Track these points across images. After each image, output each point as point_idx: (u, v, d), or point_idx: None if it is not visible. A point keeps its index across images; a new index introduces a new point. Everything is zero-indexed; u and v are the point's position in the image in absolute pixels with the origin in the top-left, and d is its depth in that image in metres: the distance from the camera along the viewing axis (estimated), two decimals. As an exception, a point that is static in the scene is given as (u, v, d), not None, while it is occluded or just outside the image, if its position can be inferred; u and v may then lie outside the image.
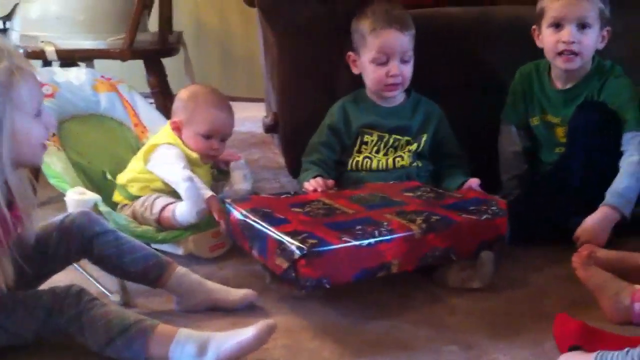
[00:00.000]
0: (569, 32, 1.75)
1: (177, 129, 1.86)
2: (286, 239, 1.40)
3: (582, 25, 1.75)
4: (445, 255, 1.52)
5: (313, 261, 1.36)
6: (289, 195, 1.71)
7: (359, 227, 1.46)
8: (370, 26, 1.82)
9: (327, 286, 1.40)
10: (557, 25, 1.77)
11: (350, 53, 1.89)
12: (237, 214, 1.58)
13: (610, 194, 1.68)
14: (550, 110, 1.86)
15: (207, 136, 1.84)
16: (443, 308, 1.48)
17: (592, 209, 1.70)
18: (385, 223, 1.49)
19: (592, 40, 1.76)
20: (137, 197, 1.81)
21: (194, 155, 1.83)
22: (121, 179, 1.86)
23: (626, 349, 1.10)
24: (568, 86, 1.82)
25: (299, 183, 1.84)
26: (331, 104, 1.93)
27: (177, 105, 1.89)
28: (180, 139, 1.85)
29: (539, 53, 1.88)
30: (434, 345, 1.33)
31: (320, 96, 2.01)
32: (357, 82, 1.93)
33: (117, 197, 1.86)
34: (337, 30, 1.95)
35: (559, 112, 1.84)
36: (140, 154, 1.86)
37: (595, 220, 1.67)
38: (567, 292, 1.51)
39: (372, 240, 1.42)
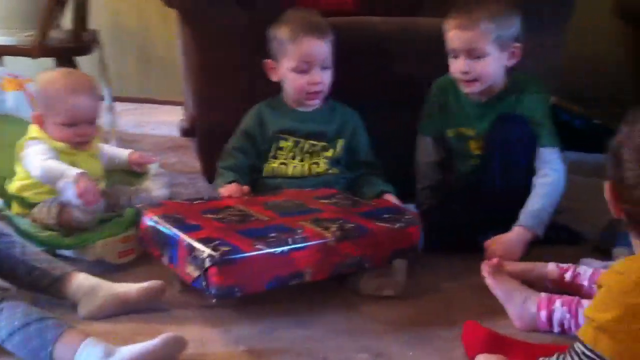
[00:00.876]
0: (461, 63, 1.77)
1: (40, 122, 1.78)
2: (197, 246, 1.37)
3: (475, 55, 1.75)
4: (359, 263, 1.51)
5: (224, 269, 1.33)
6: (203, 201, 1.68)
7: (272, 234, 1.44)
8: (289, 34, 1.80)
9: (239, 295, 1.38)
10: (454, 54, 1.79)
11: (268, 60, 1.86)
12: (147, 219, 1.54)
13: (525, 215, 1.72)
14: (465, 123, 1.88)
15: (72, 124, 1.76)
16: (356, 315, 1.48)
17: (506, 220, 1.73)
18: (299, 230, 1.48)
19: (488, 66, 1.76)
20: (35, 204, 1.72)
21: (59, 145, 1.75)
22: (12, 187, 1.78)
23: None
24: (484, 100, 1.85)
25: (214, 188, 1.81)
26: (250, 108, 1.91)
27: (35, 96, 1.81)
28: (46, 132, 1.77)
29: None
30: (345, 353, 1.33)
31: (238, 101, 1.98)
32: (278, 87, 1.91)
33: (15, 209, 1.77)
34: (257, 36, 1.93)
35: (474, 125, 1.86)
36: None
37: (509, 238, 1.70)
38: (477, 300, 1.53)
39: (285, 248, 1.40)
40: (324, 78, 1.82)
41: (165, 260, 1.49)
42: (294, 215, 1.58)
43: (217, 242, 1.38)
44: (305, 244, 1.43)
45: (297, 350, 1.34)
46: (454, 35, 1.77)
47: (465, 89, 1.82)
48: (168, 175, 1.90)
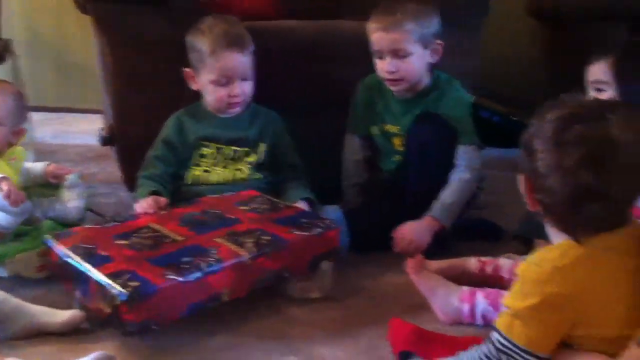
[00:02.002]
0: (387, 62, 1.80)
1: None
2: (107, 282, 1.32)
3: (400, 55, 1.79)
4: (279, 275, 1.50)
5: (136, 306, 1.29)
6: (116, 224, 1.60)
7: (185, 259, 1.40)
8: (209, 47, 1.76)
9: (154, 328, 1.34)
10: (379, 55, 1.82)
11: (187, 70, 1.84)
12: (58, 251, 1.47)
13: (436, 206, 1.75)
14: (389, 119, 1.91)
15: None
16: (283, 319, 1.48)
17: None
18: (214, 251, 1.44)
19: (413, 64, 1.80)
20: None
21: None
22: None
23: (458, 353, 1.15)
24: (408, 96, 1.88)
25: (133, 199, 1.77)
26: (169, 117, 1.88)
27: None
28: None
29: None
30: (274, 357, 1.33)
31: (158, 109, 1.94)
32: (198, 94, 1.88)
33: None
34: (174, 43, 1.90)
35: (398, 121, 1.89)
36: None
37: (418, 225, 1.73)
38: (403, 297, 1.55)
39: (199, 274, 1.37)
40: (245, 89, 1.81)
41: (77, 294, 1.43)
42: (210, 230, 1.54)
43: (127, 276, 1.33)
44: (220, 265, 1.40)
45: (225, 357, 1.33)
46: (379, 36, 1.79)
47: (392, 89, 1.85)
48: (84, 186, 1.84)
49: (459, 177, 1.78)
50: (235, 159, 1.82)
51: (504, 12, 2.53)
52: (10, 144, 1.76)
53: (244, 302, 1.51)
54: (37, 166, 1.86)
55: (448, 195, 1.76)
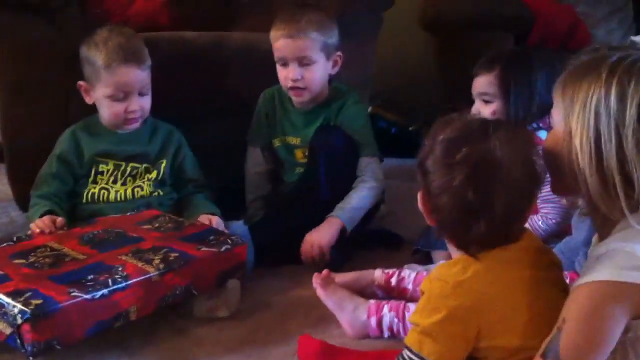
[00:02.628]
0: (292, 70, 1.81)
1: None
2: (7, 301, 1.25)
3: (305, 63, 1.80)
4: (186, 292, 1.47)
5: (39, 324, 1.23)
6: (11, 243, 1.53)
7: (90, 276, 1.35)
8: (104, 61, 1.69)
9: (58, 347, 1.28)
10: (283, 62, 1.82)
11: (81, 83, 1.77)
12: None
13: (340, 209, 1.77)
14: (290, 131, 1.91)
15: None
16: (189, 340, 1.45)
17: None
18: (119, 268, 1.40)
19: (317, 73, 1.82)
20: None
21: None
22: None
23: None
24: (308, 107, 1.89)
25: (28, 219, 1.69)
26: (63, 130, 1.80)
27: None
28: None
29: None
30: (180, 380, 1.30)
31: (51, 123, 1.87)
32: (94, 107, 1.82)
33: None
34: (67, 52, 1.83)
35: (299, 133, 1.90)
36: None
37: (315, 230, 1.74)
38: (311, 313, 1.55)
39: (105, 291, 1.32)
40: (143, 104, 1.76)
41: None
42: (114, 248, 1.49)
43: (28, 294, 1.27)
44: (127, 282, 1.36)
45: (129, 382, 1.29)
46: (284, 43, 1.79)
47: (295, 98, 1.86)
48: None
49: (362, 185, 1.80)
50: (135, 176, 1.77)
51: (397, 22, 2.58)
52: None
53: (148, 323, 1.47)
54: None
55: (351, 199, 1.78)
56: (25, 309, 1.22)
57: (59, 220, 1.62)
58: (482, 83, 1.68)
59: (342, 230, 1.75)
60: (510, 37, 2.61)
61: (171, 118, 1.89)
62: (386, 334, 1.43)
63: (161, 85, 1.82)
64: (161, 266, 1.42)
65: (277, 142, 1.94)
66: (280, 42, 1.80)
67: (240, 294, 1.56)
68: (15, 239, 1.57)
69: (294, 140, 1.91)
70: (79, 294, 1.29)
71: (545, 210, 1.64)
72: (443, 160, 1.08)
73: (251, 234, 1.74)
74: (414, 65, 3.06)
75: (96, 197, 1.75)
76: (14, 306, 1.23)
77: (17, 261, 1.42)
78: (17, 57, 1.87)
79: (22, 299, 1.25)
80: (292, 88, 1.83)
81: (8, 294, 1.27)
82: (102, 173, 1.75)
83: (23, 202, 1.90)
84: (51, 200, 1.69)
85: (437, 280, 1.10)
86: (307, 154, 1.88)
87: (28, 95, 1.89)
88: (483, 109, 1.67)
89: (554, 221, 1.64)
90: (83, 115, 1.84)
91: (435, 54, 2.87)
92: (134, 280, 1.37)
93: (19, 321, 1.22)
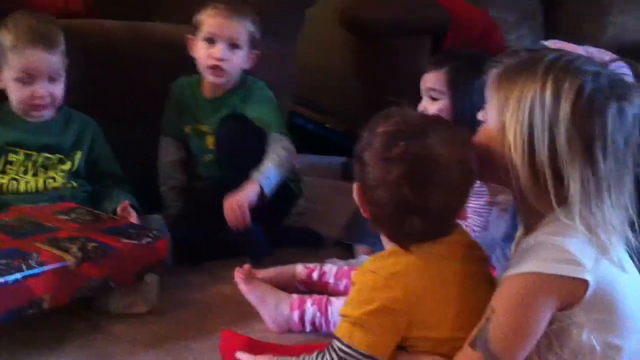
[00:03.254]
0: (219, 49, 1.80)
1: None
2: None
3: (233, 45, 1.81)
4: (104, 284, 1.42)
5: None
6: None
7: (3, 261, 1.29)
8: (12, 42, 1.62)
9: None
10: (211, 41, 1.81)
11: None
12: None
13: (257, 172, 1.73)
14: (200, 119, 1.90)
15: None
16: (105, 337, 1.40)
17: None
18: (35, 254, 1.34)
19: (240, 59, 1.84)
20: None
21: None
22: None
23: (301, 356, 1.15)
24: (216, 95, 1.88)
25: None
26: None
27: None
28: None
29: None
30: (97, 378, 1.25)
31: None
32: (3, 94, 1.73)
33: None
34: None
35: (208, 120, 1.89)
36: None
37: (240, 191, 1.69)
38: (232, 308, 1.53)
39: (18, 276, 1.26)
40: (52, 90, 1.68)
41: None
42: (29, 236, 1.43)
43: None
44: (42, 268, 1.30)
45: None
46: (218, 22, 1.80)
47: (212, 79, 1.84)
48: None
49: (272, 153, 1.78)
50: (47, 167, 1.69)
51: (319, 22, 2.59)
52: None
53: (62, 319, 1.42)
54: None
55: (268, 166, 1.75)
56: None
57: None
58: (432, 79, 1.68)
59: (262, 194, 1.72)
60: (427, 40, 2.67)
61: (88, 111, 1.81)
62: (308, 328, 1.42)
63: (78, 76, 1.74)
64: (78, 255, 1.37)
65: (187, 130, 1.92)
66: (214, 20, 1.80)
67: (158, 289, 1.52)
68: None
69: (204, 128, 1.90)
70: None
71: (471, 221, 1.66)
72: (381, 154, 1.08)
73: (169, 229, 1.69)
74: (335, 64, 3.09)
75: (4, 187, 1.66)
76: None
77: None
78: None
79: None
80: (213, 67, 1.81)
81: None
82: (11, 163, 1.67)
83: None
84: None
85: (370, 273, 1.10)
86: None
87: None
88: (430, 106, 1.67)
89: (476, 232, 1.67)
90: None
91: (354, 54, 2.89)
92: (50, 266, 1.32)
93: None
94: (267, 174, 1.74)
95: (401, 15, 2.66)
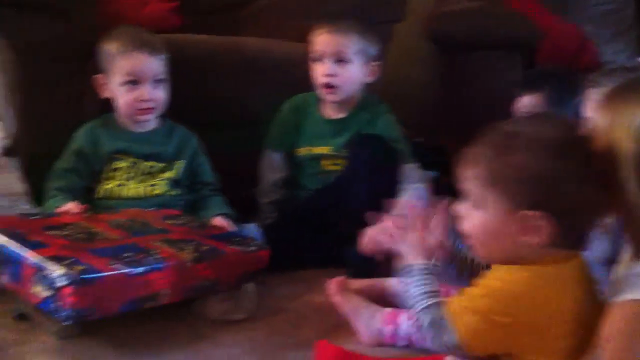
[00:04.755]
0: (327, 66, 1.86)
1: None
2: (47, 264, 1.26)
3: (340, 60, 1.85)
4: (212, 286, 1.48)
5: (81, 290, 1.24)
6: (41, 217, 1.55)
7: (127, 254, 1.37)
8: (118, 49, 1.74)
9: (93, 317, 1.30)
10: (320, 59, 1.87)
11: (98, 76, 1.78)
12: None
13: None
14: (317, 141, 1.94)
15: None
16: (205, 341, 1.44)
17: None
18: (155, 250, 1.42)
19: (351, 73, 1.87)
20: None
21: None
22: None
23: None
24: (339, 116, 1.91)
25: (44, 211, 1.69)
26: (77, 127, 1.81)
27: None
28: None
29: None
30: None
31: (65, 119, 1.87)
32: (107, 105, 1.83)
33: None
34: (80, 51, 1.84)
35: (328, 142, 1.92)
36: None
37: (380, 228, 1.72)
38: (325, 319, 1.55)
39: (143, 269, 1.34)
40: (155, 95, 1.77)
41: (3, 279, 1.36)
42: (144, 234, 1.51)
43: (69, 260, 1.28)
44: (163, 264, 1.38)
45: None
46: (323, 39, 1.86)
47: (325, 96, 1.88)
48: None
49: (415, 187, 1.79)
50: (151, 174, 1.78)
51: (403, 34, 2.60)
52: None
53: (162, 325, 1.47)
54: None
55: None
56: (70, 271, 1.24)
57: (83, 207, 1.63)
58: (528, 102, 1.67)
59: None
60: (517, 56, 2.65)
61: (182, 121, 1.89)
62: (401, 342, 1.43)
63: (173, 88, 1.83)
64: (195, 255, 1.44)
65: (301, 152, 1.96)
66: (319, 38, 1.87)
67: (256, 297, 1.56)
68: (43, 214, 1.60)
69: (322, 150, 1.93)
70: (120, 267, 1.31)
71: None
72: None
73: (265, 237, 1.75)
74: (417, 77, 3.09)
75: (112, 193, 1.75)
76: (56, 269, 1.24)
77: (51, 232, 1.43)
78: (29, 56, 1.88)
79: (65, 263, 1.26)
80: (325, 85, 1.86)
81: (49, 258, 1.28)
82: (118, 169, 1.76)
83: (36, 197, 1.90)
84: (69, 193, 1.70)
85: (501, 280, 1.07)
86: (336, 162, 1.90)
87: (41, 95, 1.90)
88: None
89: None
90: (96, 114, 1.85)
91: (438, 68, 2.90)
92: (170, 263, 1.39)
93: (60, 284, 1.23)
94: None
95: (488, 29, 2.65)
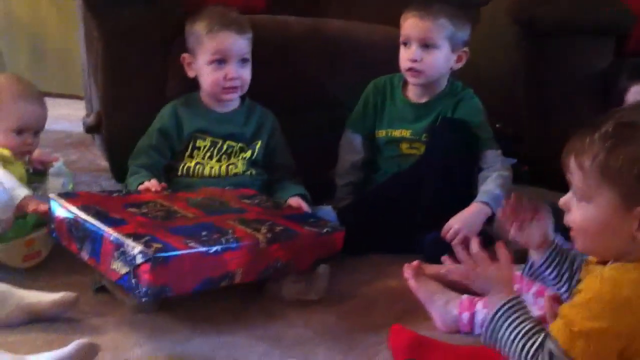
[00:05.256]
0: (412, 50, 1.82)
1: None
2: (127, 241, 1.28)
3: (426, 45, 1.81)
4: (285, 267, 1.48)
5: (157, 267, 1.25)
6: (121, 194, 1.58)
7: (204, 232, 1.38)
8: (206, 28, 1.75)
9: (169, 295, 1.32)
10: (407, 44, 1.84)
11: (185, 55, 1.80)
12: (64, 211, 1.42)
13: (485, 193, 1.74)
14: (398, 124, 1.91)
15: (19, 131, 1.68)
16: (278, 322, 1.45)
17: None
18: (230, 230, 1.42)
19: (437, 59, 1.83)
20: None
21: (6, 152, 1.66)
22: None
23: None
24: (422, 101, 1.88)
25: (126, 187, 1.72)
26: (160, 107, 1.84)
27: None
28: None
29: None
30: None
31: (148, 98, 1.91)
32: (188, 85, 1.85)
33: None
34: (166, 32, 1.87)
35: (409, 126, 1.89)
36: None
37: (470, 212, 1.71)
38: (398, 303, 1.53)
39: (218, 248, 1.34)
40: (241, 73, 1.77)
41: (84, 255, 1.38)
42: (220, 214, 1.52)
43: (147, 238, 1.29)
44: (238, 244, 1.38)
45: (218, 357, 1.30)
46: (411, 23, 1.83)
47: (410, 80, 1.86)
48: (70, 175, 1.78)
49: (498, 174, 1.77)
50: (229, 154, 1.79)
51: (488, 19, 2.53)
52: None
53: (236, 304, 1.49)
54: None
55: (491, 186, 1.75)
56: (147, 249, 1.25)
57: (163, 184, 1.65)
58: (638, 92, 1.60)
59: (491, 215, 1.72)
60: (608, 42, 2.54)
61: (266, 102, 1.90)
62: (477, 330, 1.39)
63: (257, 68, 1.83)
64: (269, 235, 1.44)
65: (381, 133, 1.94)
66: (408, 22, 1.84)
67: (328, 279, 1.55)
68: (124, 191, 1.62)
69: (403, 133, 1.90)
70: (196, 245, 1.32)
71: None
72: None
73: (339, 219, 1.74)
74: (502, 64, 3.01)
75: (191, 171, 1.77)
76: (134, 247, 1.26)
77: (131, 209, 1.45)
78: (117, 39, 1.91)
79: (142, 240, 1.27)
80: (409, 69, 1.83)
81: (128, 235, 1.29)
82: (199, 149, 1.78)
83: (118, 173, 1.96)
84: (150, 170, 1.72)
85: (610, 284, 0.99)
86: (415, 146, 1.88)
87: (127, 75, 1.94)
88: None
89: None
90: (178, 94, 1.87)
91: (526, 55, 2.81)
92: (245, 243, 1.39)
93: (139, 261, 1.24)
94: (497, 199, 1.72)
95: (577, 13, 2.54)
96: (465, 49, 1.87)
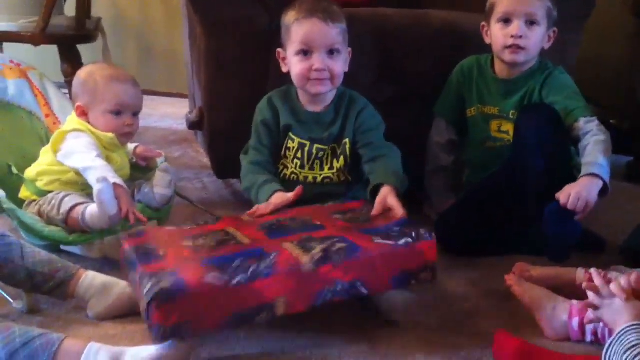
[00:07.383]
0: (517, 26, 1.76)
1: (83, 113, 1.73)
2: (144, 280, 1.21)
3: (530, 22, 1.77)
4: (352, 289, 1.30)
5: (164, 305, 1.16)
6: (194, 226, 1.49)
7: (237, 261, 1.25)
8: (294, 17, 1.67)
9: (190, 334, 1.20)
10: (507, 20, 1.78)
11: (279, 50, 1.75)
12: (125, 248, 1.39)
13: (590, 165, 1.60)
14: (488, 100, 1.86)
15: (117, 112, 1.72)
16: (376, 322, 1.41)
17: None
18: (273, 254, 1.28)
19: (538, 36, 1.78)
20: (46, 193, 1.67)
21: (109, 136, 1.70)
22: (30, 172, 1.72)
23: None
24: (511, 77, 1.84)
25: (254, 201, 1.64)
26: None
27: (76, 89, 1.76)
28: (89, 123, 1.72)
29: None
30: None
31: (249, 94, 1.89)
32: (288, 82, 1.82)
33: (24, 192, 1.72)
34: (268, 28, 1.86)
35: (498, 102, 1.85)
36: (50, 144, 1.71)
37: (583, 185, 1.57)
38: (502, 308, 1.47)
39: (242, 278, 1.21)
40: (331, 65, 1.66)
41: (130, 281, 1.37)
42: (283, 235, 1.38)
43: (166, 274, 1.21)
44: (271, 270, 1.24)
45: (312, 357, 1.27)
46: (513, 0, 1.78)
47: (510, 57, 1.80)
48: (174, 173, 1.80)
49: (597, 139, 1.64)
50: (321, 159, 1.72)
51: (603, 8, 2.38)
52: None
53: (348, 314, 1.41)
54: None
55: (595, 155, 1.60)
56: (152, 289, 1.17)
57: (291, 195, 1.58)
58: None
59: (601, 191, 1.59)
60: None
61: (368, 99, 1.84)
62: (589, 338, 1.31)
63: (358, 61, 1.78)
64: (318, 256, 1.28)
65: (472, 112, 1.90)
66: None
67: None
68: (204, 222, 1.54)
69: (492, 110, 1.86)
70: (213, 280, 1.21)
71: None
72: None
73: (442, 223, 1.69)
74: (618, 56, 2.86)
75: (288, 178, 1.73)
76: (145, 285, 1.19)
77: (185, 243, 1.37)
78: (220, 33, 1.92)
79: (155, 279, 1.19)
80: (511, 46, 1.77)
81: (150, 273, 1.22)
82: (289, 149, 1.72)
83: (219, 169, 1.98)
84: (264, 167, 1.69)
85: None
86: (502, 124, 1.84)
87: (228, 71, 1.94)
88: None
89: None
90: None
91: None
92: (281, 268, 1.25)
93: (147, 300, 1.17)
94: (607, 169, 1.59)
95: None
96: (555, 28, 1.81)
